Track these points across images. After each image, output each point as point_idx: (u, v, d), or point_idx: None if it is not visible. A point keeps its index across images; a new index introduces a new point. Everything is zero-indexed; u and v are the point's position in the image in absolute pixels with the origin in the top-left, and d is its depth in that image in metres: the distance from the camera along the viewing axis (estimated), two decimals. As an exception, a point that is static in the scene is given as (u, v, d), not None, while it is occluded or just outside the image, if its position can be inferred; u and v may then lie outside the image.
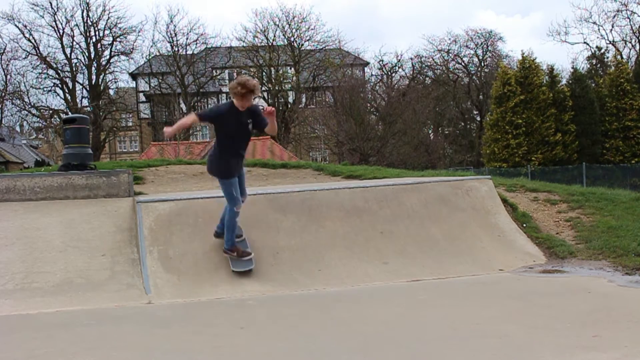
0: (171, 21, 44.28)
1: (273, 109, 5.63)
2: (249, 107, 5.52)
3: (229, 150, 5.63)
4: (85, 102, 41.39)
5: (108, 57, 41.80)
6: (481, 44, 48.49)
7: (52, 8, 40.30)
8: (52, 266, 5.65)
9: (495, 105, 32.88)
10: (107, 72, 42.04)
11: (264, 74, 46.23)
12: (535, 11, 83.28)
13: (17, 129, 48.20)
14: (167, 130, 5.62)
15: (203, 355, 3.68)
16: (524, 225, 7.34)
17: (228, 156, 5.63)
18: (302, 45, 46.38)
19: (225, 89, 49.74)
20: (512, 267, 6.21)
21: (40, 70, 40.23)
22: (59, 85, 40.78)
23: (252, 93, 5.44)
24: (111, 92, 44.79)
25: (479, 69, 49.30)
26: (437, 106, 46.99)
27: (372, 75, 50.64)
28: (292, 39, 45.92)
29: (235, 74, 48.70)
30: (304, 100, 47.13)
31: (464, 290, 5.46)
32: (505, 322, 4.21)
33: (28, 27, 39.40)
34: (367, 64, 50.78)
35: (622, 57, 39.90)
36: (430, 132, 47.73)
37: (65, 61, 40.53)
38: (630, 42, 42.54)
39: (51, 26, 40.09)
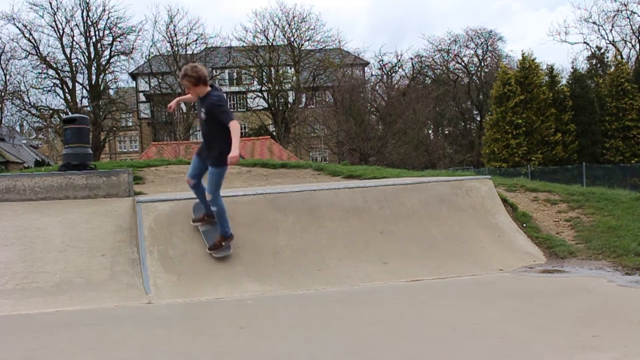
0: (171, 21, 44.25)
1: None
2: (203, 97, 5.47)
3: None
4: (85, 102, 41.47)
5: (108, 57, 41.88)
6: (481, 44, 48.64)
7: (51, 8, 40.49)
8: (52, 266, 5.65)
9: (495, 105, 32.95)
10: (107, 72, 42.12)
11: (264, 73, 46.26)
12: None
13: (17, 128, 48.30)
14: (171, 103, 6.01)
15: (203, 355, 3.68)
16: (524, 225, 7.34)
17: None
18: (302, 45, 46.45)
19: (225, 89, 49.81)
20: (512, 267, 6.22)
21: (40, 70, 40.39)
22: (59, 85, 40.83)
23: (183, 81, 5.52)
24: (111, 92, 44.86)
25: (479, 69, 49.39)
26: (437, 106, 47.07)
27: (372, 75, 50.76)
28: (292, 38, 45.99)
29: (235, 74, 48.84)
30: (304, 100, 47.15)
31: (464, 290, 5.46)
32: (505, 322, 4.21)
33: (28, 27, 39.52)
34: (367, 63, 50.86)
35: (622, 57, 39.98)
36: (430, 132, 47.80)
37: (65, 61, 40.62)
38: (630, 42, 42.67)
39: (51, 26, 40.23)
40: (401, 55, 70.34)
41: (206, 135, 5.64)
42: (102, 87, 41.99)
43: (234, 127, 5.32)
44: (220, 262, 5.86)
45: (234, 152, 5.24)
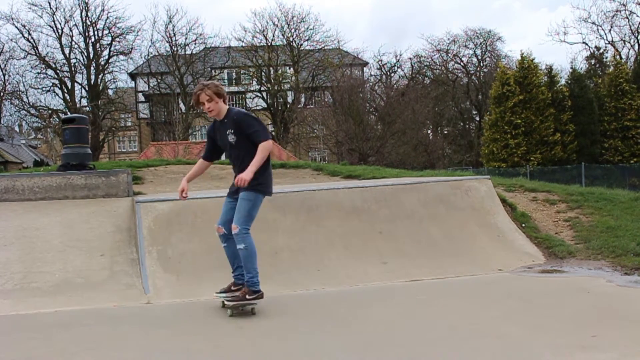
0: (170, 21, 44.24)
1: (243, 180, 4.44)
2: (225, 117, 4.65)
3: (232, 165, 4.85)
4: (84, 102, 41.45)
5: (107, 57, 41.87)
6: (480, 44, 48.63)
7: (50, 8, 40.62)
8: (51, 266, 5.65)
9: (494, 105, 32.96)
10: (106, 72, 42.09)
11: (263, 74, 46.24)
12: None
13: (16, 128, 48.25)
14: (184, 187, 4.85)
15: (203, 355, 3.68)
16: (523, 225, 7.35)
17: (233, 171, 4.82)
18: (301, 45, 46.45)
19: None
20: (511, 267, 6.22)
21: (39, 70, 40.37)
22: (58, 85, 40.79)
23: (197, 102, 4.68)
24: (110, 92, 44.82)
25: (478, 69, 49.40)
26: (436, 106, 47.11)
27: (371, 75, 50.75)
28: (291, 38, 45.98)
29: (234, 74, 48.83)
30: (303, 100, 47.16)
31: (463, 290, 5.46)
32: (504, 322, 4.22)
33: (27, 27, 39.49)
34: (366, 63, 50.88)
35: (620, 57, 39.97)
36: (429, 132, 47.80)
37: (64, 61, 40.59)
38: (629, 42, 42.68)
39: (50, 26, 40.27)
40: (400, 55, 70.37)
41: (238, 159, 4.65)
42: (101, 87, 41.96)
43: (266, 145, 4.52)
44: (220, 262, 5.84)
45: (247, 173, 4.41)
